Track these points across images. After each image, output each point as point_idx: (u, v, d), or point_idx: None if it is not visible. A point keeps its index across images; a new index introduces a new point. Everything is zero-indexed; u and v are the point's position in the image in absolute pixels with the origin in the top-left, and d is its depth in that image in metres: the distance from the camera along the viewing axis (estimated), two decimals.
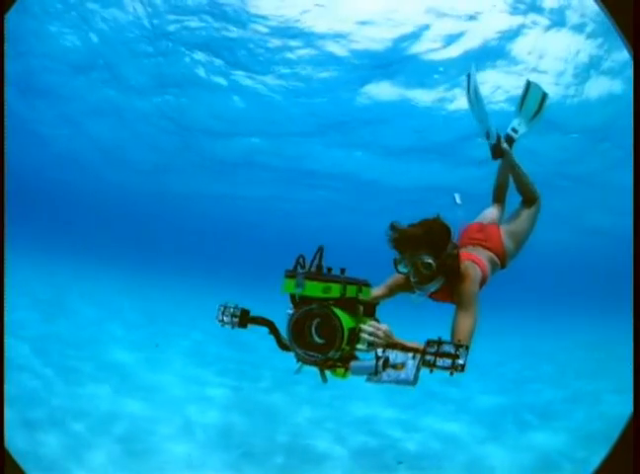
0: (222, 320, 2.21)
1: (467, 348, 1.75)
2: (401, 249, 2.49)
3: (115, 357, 8.55)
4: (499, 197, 3.97)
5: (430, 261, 2.43)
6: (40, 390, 6.34)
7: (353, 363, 1.84)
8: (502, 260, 3.22)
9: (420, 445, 6.36)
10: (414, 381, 1.71)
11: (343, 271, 1.95)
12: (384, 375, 1.73)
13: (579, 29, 9.97)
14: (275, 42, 11.70)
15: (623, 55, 10.29)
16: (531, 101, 3.79)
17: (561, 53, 10.75)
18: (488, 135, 3.63)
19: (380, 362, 1.74)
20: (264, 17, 10.94)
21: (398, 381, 1.72)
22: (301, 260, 1.97)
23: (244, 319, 2.20)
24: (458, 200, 3.90)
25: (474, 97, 3.55)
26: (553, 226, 19.48)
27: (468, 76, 3.64)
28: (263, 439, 6.01)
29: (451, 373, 1.73)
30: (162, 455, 5.28)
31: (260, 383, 8.44)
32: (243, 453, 5.59)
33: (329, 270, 1.96)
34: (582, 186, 17.23)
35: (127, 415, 6.09)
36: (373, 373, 1.75)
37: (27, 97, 15.93)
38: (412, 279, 2.54)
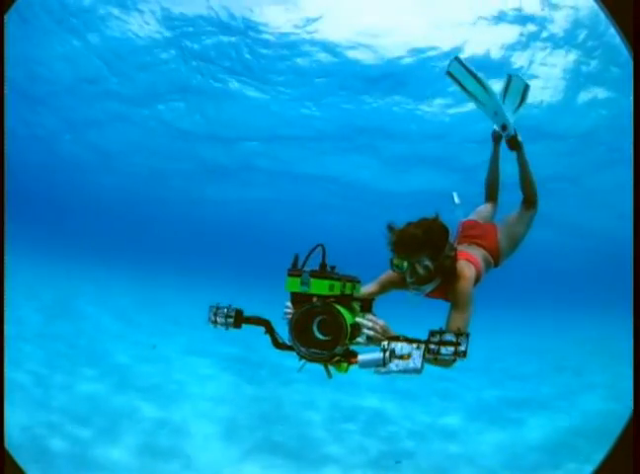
0: (215, 321, 2.18)
1: (467, 335, 1.81)
2: (399, 251, 2.45)
3: (117, 358, 8.55)
4: (491, 196, 3.95)
5: (428, 263, 2.42)
6: (42, 391, 6.34)
7: (360, 357, 1.86)
8: (495, 259, 3.19)
9: (418, 440, 6.39)
10: (421, 370, 1.78)
11: (333, 268, 1.99)
12: (392, 366, 1.78)
13: (573, 36, 10.13)
14: (276, 50, 11.79)
15: (616, 61, 10.45)
16: (514, 93, 3.79)
17: (556, 61, 10.95)
18: (505, 127, 3.60)
19: (387, 354, 1.78)
20: (265, 24, 11.02)
21: (406, 370, 1.77)
22: (296, 260, 2.00)
23: (238, 319, 2.17)
24: (457, 200, 3.85)
25: (483, 93, 3.52)
26: (549, 227, 19.59)
27: (451, 75, 3.59)
28: (266, 436, 6.02)
29: (454, 360, 1.81)
30: (165, 455, 5.28)
31: (262, 380, 8.47)
32: (247, 450, 5.61)
33: (321, 263, 2.00)
34: (577, 188, 17.33)
35: (128, 414, 6.09)
36: (381, 365, 1.79)
37: (30, 102, 15.94)
38: (408, 280, 2.52)
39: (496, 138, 3.97)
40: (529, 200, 3.59)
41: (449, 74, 3.52)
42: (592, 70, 11.00)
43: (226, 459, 5.39)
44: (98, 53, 12.66)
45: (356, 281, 2.11)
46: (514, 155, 3.65)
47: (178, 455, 5.31)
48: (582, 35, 10.00)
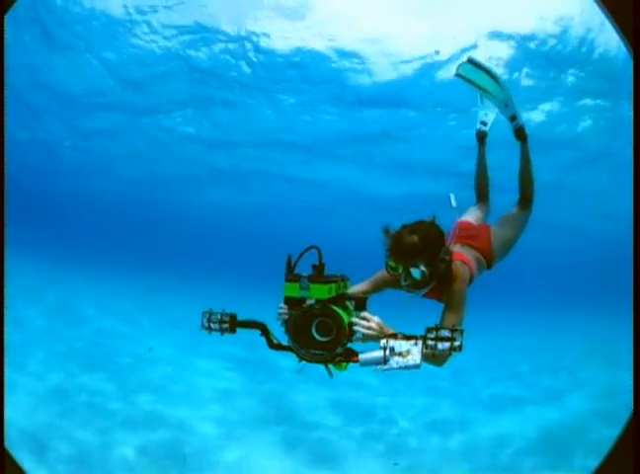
0: (209, 327, 2.15)
1: (462, 331, 1.86)
2: (396, 257, 2.45)
3: (118, 360, 8.55)
4: (482, 196, 3.98)
5: (423, 269, 2.42)
6: (43, 392, 6.34)
7: (361, 356, 1.91)
8: (488, 260, 3.20)
9: (414, 439, 6.40)
10: (420, 365, 1.84)
11: (323, 266, 2.03)
12: (393, 363, 1.82)
13: (565, 47, 10.34)
14: (275, 56, 11.84)
15: (604, 70, 10.69)
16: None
17: (547, 70, 11.19)
18: (514, 118, 3.67)
19: (387, 352, 1.82)
20: (265, 31, 11.11)
21: (407, 367, 1.83)
22: (289, 261, 2.03)
23: (233, 324, 2.16)
24: (454, 203, 3.83)
25: (495, 85, 3.56)
26: (539, 228, 19.63)
27: (461, 77, 3.62)
28: (267, 436, 6.03)
29: (450, 354, 1.88)
30: (166, 456, 5.28)
31: (264, 380, 8.49)
32: (249, 449, 5.62)
33: (318, 267, 2.03)
34: (565, 191, 17.39)
35: (129, 415, 6.09)
36: (382, 363, 1.83)
37: (31, 107, 15.93)
38: (403, 283, 2.52)
39: (480, 138, 4.03)
40: (526, 198, 3.63)
41: (459, 76, 3.58)
42: (580, 79, 11.22)
43: (228, 459, 5.40)
44: (100, 61, 12.71)
45: (346, 279, 2.17)
46: (515, 150, 3.69)
47: (179, 456, 5.31)
48: (574, 45, 10.23)
